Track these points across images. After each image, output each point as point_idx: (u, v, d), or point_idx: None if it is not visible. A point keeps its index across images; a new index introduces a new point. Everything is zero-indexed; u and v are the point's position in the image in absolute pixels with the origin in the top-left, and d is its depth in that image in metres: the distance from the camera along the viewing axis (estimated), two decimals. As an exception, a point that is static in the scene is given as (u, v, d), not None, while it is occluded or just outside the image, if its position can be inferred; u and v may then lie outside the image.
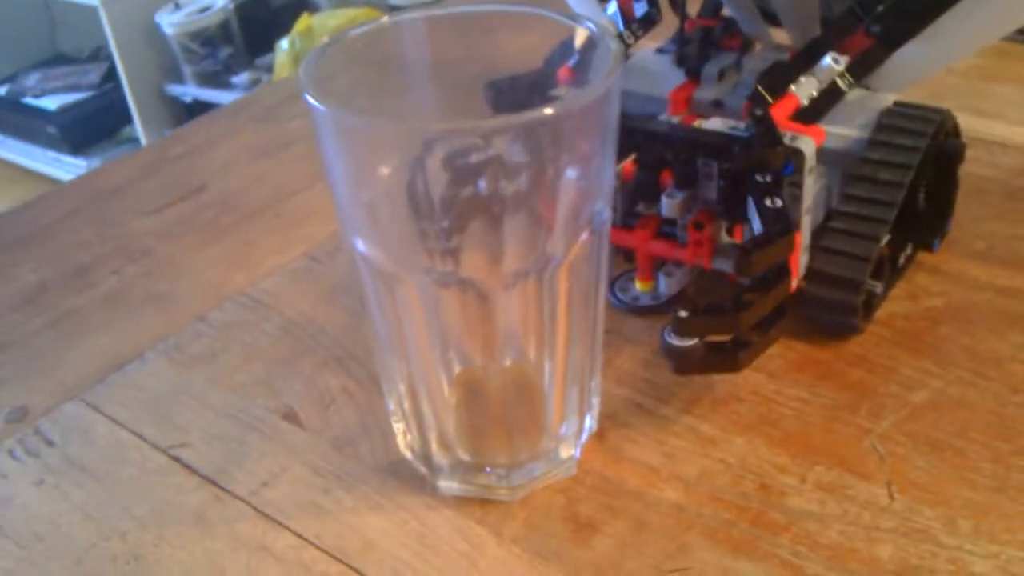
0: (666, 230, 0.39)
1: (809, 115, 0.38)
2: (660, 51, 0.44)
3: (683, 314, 0.32)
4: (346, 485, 0.34)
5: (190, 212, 0.51)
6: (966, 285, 0.40)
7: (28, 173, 2.05)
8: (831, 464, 0.33)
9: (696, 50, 0.42)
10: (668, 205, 0.37)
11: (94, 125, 1.98)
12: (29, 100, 2.03)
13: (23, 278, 0.48)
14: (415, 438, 0.33)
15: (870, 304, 0.38)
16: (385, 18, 0.32)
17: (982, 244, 0.42)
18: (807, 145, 0.35)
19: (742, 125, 0.37)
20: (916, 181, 0.37)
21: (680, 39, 0.43)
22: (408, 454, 0.34)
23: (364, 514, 0.33)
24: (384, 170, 0.28)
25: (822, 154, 0.37)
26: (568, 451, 0.34)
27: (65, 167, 1.95)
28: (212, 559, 0.32)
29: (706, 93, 0.41)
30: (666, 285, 0.40)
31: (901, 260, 0.40)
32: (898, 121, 0.38)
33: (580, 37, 0.31)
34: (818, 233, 0.38)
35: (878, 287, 0.38)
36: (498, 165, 0.27)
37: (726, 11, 0.43)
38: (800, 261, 0.37)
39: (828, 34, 0.38)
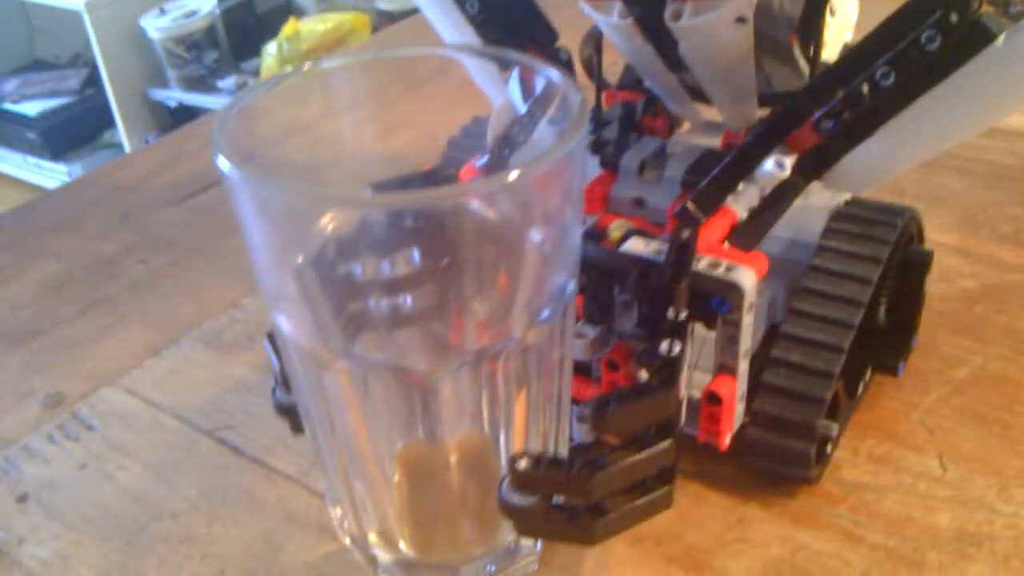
0: (580, 363, 0.31)
1: (749, 233, 0.31)
2: None
3: (522, 465, 0.24)
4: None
5: (213, 202, 0.51)
6: (997, 267, 0.41)
7: (8, 179, 2.03)
8: (882, 438, 0.34)
9: (615, 134, 0.35)
10: (578, 346, 0.30)
11: (75, 131, 1.96)
12: (8, 106, 2.00)
13: (47, 268, 0.47)
14: (352, 525, 0.29)
15: (823, 450, 0.32)
16: (308, 65, 0.28)
17: (1008, 228, 0.43)
18: (746, 278, 0.29)
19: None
20: (876, 295, 0.32)
21: (596, 118, 0.36)
22: (347, 541, 0.30)
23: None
24: (306, 243, 0.24)
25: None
26: (529, 542, 0.29)
27: (46, 173, 1.93)
28: (268, 537, 0.32)
29: (625, 189, 0.34)
30: (579, 432, 0.30)
31: (859, 390, 0.34)
32: (852, 226, 0.32)
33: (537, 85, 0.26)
34: (759, 357, 0.31)
35: (833, 429, 0.32)
36: (445, 236, 0.22)
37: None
38: (736, 412, 0.31)
39: (771, 127, 0.31)
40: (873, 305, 0.32)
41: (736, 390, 0.30)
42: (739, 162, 0.31)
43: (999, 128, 0.50)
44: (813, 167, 0.30)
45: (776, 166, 0.31)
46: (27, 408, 0.38)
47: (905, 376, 0.36)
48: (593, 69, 0.37)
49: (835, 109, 0.29)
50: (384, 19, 1.70)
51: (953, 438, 0.33)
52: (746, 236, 0.31)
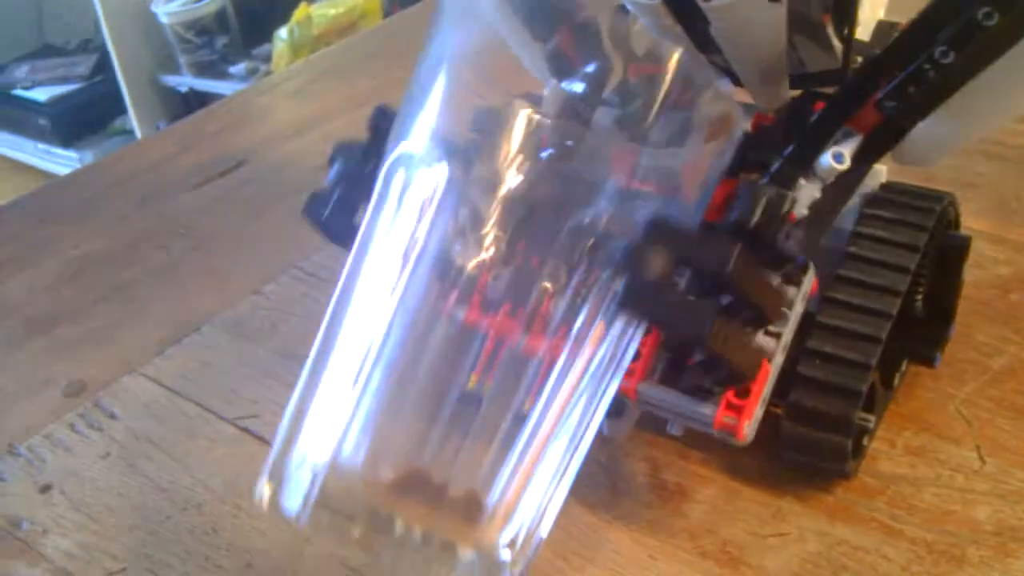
0: None
1: (814, 231, 0.30)
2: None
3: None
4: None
5: (231, 188, 0.51)
6: None
7: (19, 166, 2.02)
8: (918, 429, 0.33)
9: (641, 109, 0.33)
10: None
11: (85, 117, 1.96)
12: (19, 92, 2.00)
13: (66, 253, 0.47)
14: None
15: (860, 444, 0.31)
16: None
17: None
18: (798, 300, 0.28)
19: None
20: (913, 284, 0.31)
21: (622, 92, 0.34)
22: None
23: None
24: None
25: None
26: (508, 556, 0.24)
27: (56, 159, 1.93)
28: (295, 529, 0.31)
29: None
30: (607, 427, 0.30)
31: (896, 381, 0.33)
32: (888, 211, 0.31)
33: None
34: (792, 348, 0.29)
35: (870, 421, 0.31)
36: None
37: None
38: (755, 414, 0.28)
39: (834, 107, 0.30)
40: (910, 293, 0.31)
41: (766, 381, 0.28)
42: (809, 143, 0.30)
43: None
44: (877, 148, 0.30)
45: (835, 159, 0.29)
46: (49, 397, 0.38)
47: (941, 366, 0.35)
48: (621, 39, 0.35)
49: (898, 88, 0.28)
50: (395, 2, 1.69)
51: (991, 429, 0.33)
52: (812, 234, 0.29)
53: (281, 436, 0.26)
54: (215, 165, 0.53)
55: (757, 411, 0.28)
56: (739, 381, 0.27)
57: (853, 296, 0.30)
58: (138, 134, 1.81)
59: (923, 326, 0.33)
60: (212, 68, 1.70)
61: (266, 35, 1.67)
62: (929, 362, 0.34)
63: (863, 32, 0.33)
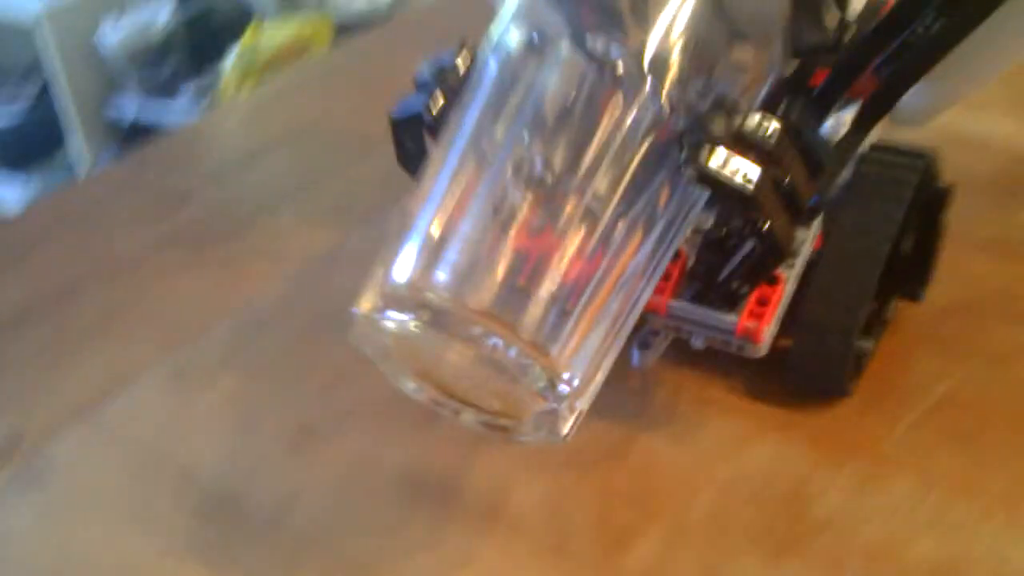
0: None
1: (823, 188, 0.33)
2: None
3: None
4: (367, 505, 0.33)
5: (176, 226, 0.50)
6: (973, 279, 0.41)
7: (-39, 194, 1.98)
8: (860, 461, 0.33)
9: None
10: None
11: (27, 146, 1.93)
12: (-41, 120, 1.96)
13: (5, 296, 0.46)
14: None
15: (860, 364, 0.36)
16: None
17: (984, 237, 0.43)
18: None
19: None
20: (901, 230, 0.35)
21: None
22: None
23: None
24: None
25: None
26: (564, 422, 0.27)
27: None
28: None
29: None
30: (638, 358, 0.36)
31: (888, 313, 0.38)
32: (878, 170, 0.35)
33: None
34: (799, 292, 0.35)
35: (869, 344, 0.36)
36: None
37: None
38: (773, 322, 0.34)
39: (840, 73, 0.33)
40: (898, 239, 0.35)
41: (783, 294, 0.34)
42: (818, 103, 0.33)
43: (972, 138, 0.50)
44: (876, 112, 0.34)
45: (833, 128, 0.34)
46: (-15, 450, 0.37)
47: (883, 396, 0.36)
48: None
49: (892, 56, 0.32)
50: (345, 24, 1.68)
51: (932, 460, 0.33)
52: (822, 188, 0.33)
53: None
54: (160, 203, 0.52)
55: (773, 323, 0.34)
56: (770, 266, 0.33)
57: (853, 240, 0.34)
58: (83, 163, 1.79)
59: (910, 266, 0.37)
60: (159, 95, 1.68)
61: (214, 61, 1.66)
62: (914, 297, 0.38)
63: (856, 5, 0.36)
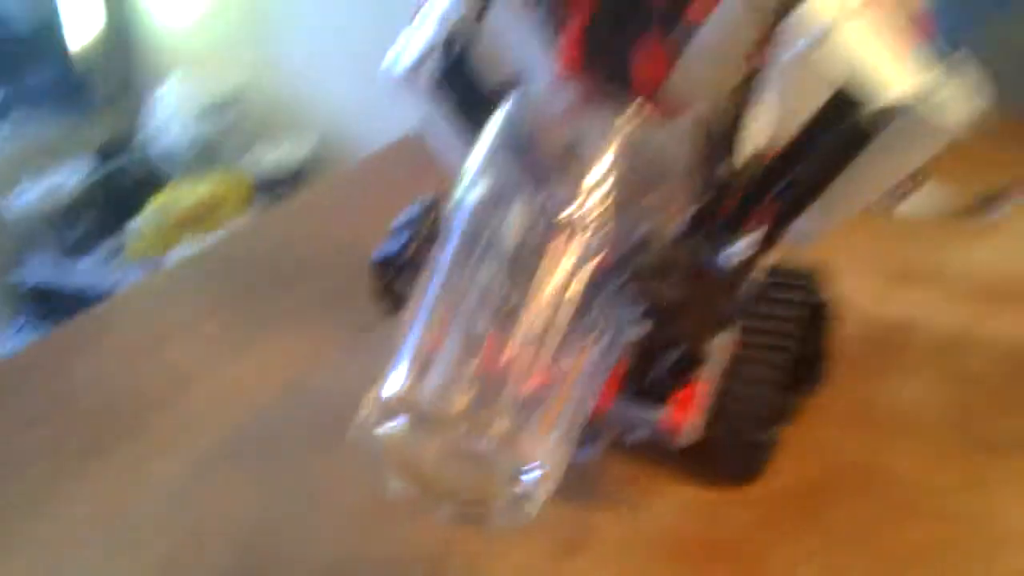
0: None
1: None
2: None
3: None
4: None
5: (67, 426, 0.49)
6: (832, 451, 0.42)
7: None
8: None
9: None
10: None
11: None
12: None
13: None
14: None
15: (770, 450, 0.41)
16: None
17: (843, 408, 0.45)
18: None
19: None
20: (800, 336, 0.41)
21: None
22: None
23: None
24: None
25: None
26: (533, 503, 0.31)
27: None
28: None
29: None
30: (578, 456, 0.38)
31: (792, 406, 0.43)
32: (775, 284, 0.42)
33: None
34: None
35: (776, 434, 0.41)
36: None
37: None
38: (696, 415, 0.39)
39: (749, 194, 0.39)
40: (798, 341, 0.41)
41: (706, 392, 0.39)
42: (728, 227, 0.38)
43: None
44: (774, 233, 0.39)
45: (733, 253, 0.38)
46: None
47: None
48: None
49: (786, 187, 0.38)
50: (264, 181, 1.71)
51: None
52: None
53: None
54: (48, 401, 0.51)
55: (696, 415, 0.38)
56: (691, 369, 0.38)
57: (759, 351, 0.40)
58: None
59: (804, 366, 0.43)
60: (68, 260, 1.66)
61: (122, 224, 1.65)
62: (810, 393, 0.44)
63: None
